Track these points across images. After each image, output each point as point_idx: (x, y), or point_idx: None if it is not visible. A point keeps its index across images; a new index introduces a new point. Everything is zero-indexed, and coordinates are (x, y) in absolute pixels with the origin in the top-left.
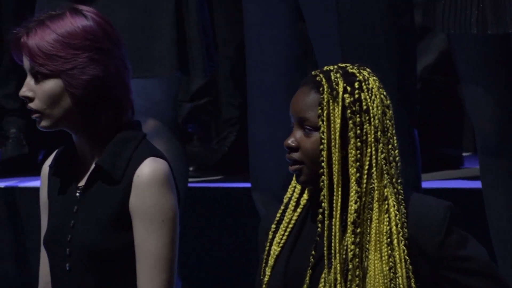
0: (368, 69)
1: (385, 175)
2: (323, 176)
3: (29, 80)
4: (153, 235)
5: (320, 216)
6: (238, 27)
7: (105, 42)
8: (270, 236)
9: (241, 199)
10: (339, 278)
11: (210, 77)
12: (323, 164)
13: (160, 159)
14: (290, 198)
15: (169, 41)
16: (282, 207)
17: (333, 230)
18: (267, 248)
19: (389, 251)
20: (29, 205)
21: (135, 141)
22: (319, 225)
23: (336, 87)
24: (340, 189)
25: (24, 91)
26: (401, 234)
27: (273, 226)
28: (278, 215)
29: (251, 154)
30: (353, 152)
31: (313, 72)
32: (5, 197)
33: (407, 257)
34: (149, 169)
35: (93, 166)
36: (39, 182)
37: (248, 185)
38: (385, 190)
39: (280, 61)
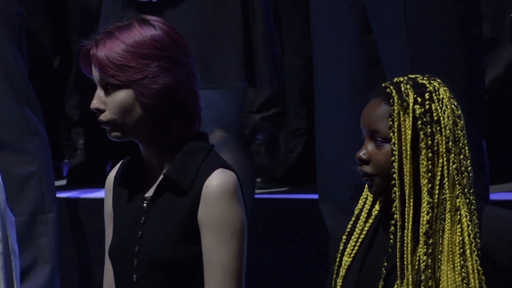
0: (438, 80)
1: (457, 185)
2: (395, 188)
3: (99, 92)
4: (222, 246)
5: (392, 227)
6: (306, 38)
7: (174, 50)
8: (341, 247)
9: (308, 210)
10: None
11: (276, 88)
12: (394, 175)
13: (228, 170)
14: (361, 209)
15: (236, 53)
16: (353, 218)
17: (405, 241)
18: (338, 259)
19: (462, 262)
20: (93, 216)
21: (204, 152)
22: (391, 236)
23: (407, 98)
24: (412, 200)
25: (95, 104)
26: (473, 244)
27: (344, 237)
28: (349, 226)
29: (319, 165)
30: (425, 163)
31: (383, 84)
32: (68, 208)
33: (479, 268)
34: (218, 180)
35: (161, 176)
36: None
37: (315, 196)
38: (457, 200)
39: (347, 72)
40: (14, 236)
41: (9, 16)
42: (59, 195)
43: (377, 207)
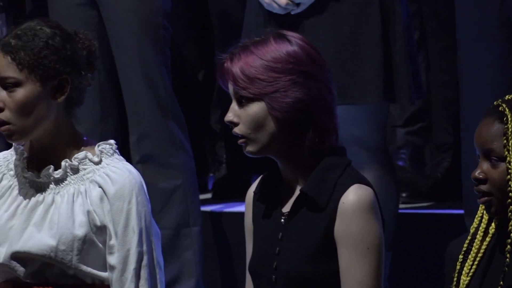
0: None
1: None
2: (511, 206)
3: (234, 105)
4: (359, 262)
5: (508, 246)
6: (452, 53)
7: (309, 65)
8: (458, 266)
9: (454, 225)
10: None
11: (422, 102)
12: (510, 194)
13: (365, 186)
14: (477, 228)
15: (376, 69)
16: (469, 237)
17: None
18: (455, 278)
19: None
20: (238, 229)
21: (340, 167)
22: (508, 255)
23: None
24: None
25: (229, 116)
26: None
27: (461, 256)
28: (465, 245)
29: (464, 180)
30: None
31: (495, 102)
32: (213, 221)
33: None
34: (354, 196)
35: (298, 192)
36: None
37: (461, 211)
38: None
39: (494, 87)
40: (160, 248)
41: (154, 29)
42: (204, 208)
43: (493, 225)
